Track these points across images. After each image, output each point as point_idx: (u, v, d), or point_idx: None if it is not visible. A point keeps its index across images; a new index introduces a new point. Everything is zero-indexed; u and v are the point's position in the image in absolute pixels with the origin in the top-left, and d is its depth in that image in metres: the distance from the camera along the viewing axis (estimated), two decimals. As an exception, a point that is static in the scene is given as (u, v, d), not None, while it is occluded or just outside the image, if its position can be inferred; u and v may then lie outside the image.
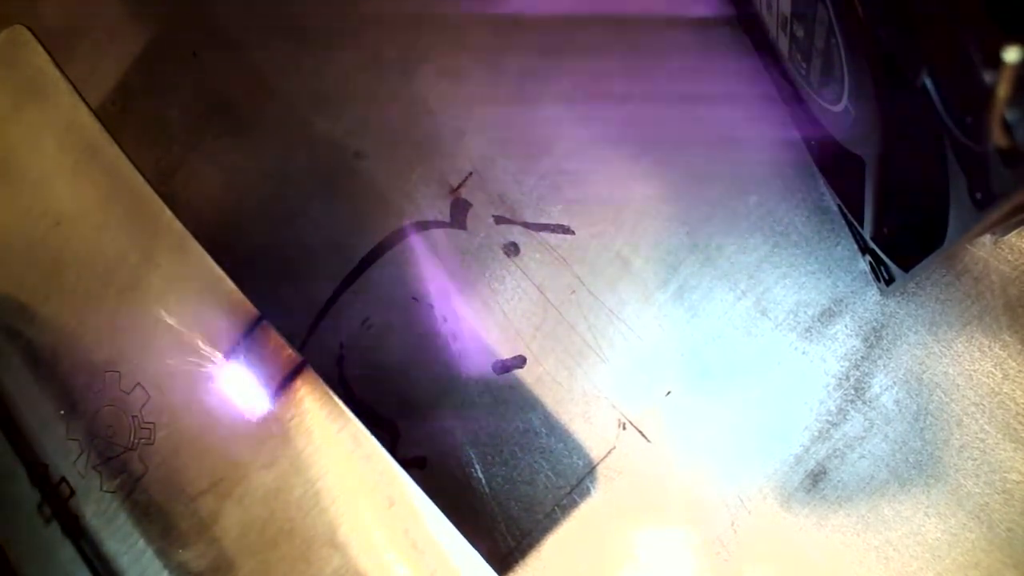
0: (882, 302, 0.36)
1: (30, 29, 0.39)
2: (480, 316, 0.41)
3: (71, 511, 0.34)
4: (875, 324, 0.36)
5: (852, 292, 0.36)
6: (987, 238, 0.34)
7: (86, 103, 0.37)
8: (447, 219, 0.43)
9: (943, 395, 0.34)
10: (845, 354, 0.36)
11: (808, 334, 0.37)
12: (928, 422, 0.34)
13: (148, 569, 0.33)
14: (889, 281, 0.33)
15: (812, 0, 0.27)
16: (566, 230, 0.41)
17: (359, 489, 0.31)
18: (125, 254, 0.36)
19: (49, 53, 0.38)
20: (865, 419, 0.35)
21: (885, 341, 0.36)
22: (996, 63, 0.17)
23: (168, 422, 0.34)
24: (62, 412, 0.35)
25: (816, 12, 0.27)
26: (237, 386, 0.33)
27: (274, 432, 0.33)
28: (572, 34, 0.42)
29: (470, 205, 0.42)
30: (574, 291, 0.40)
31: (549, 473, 0.39)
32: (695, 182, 0.39)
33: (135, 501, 0.34)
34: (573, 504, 0.38)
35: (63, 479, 0.35)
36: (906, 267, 0.30)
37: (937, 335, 0.35)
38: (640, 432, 0.38)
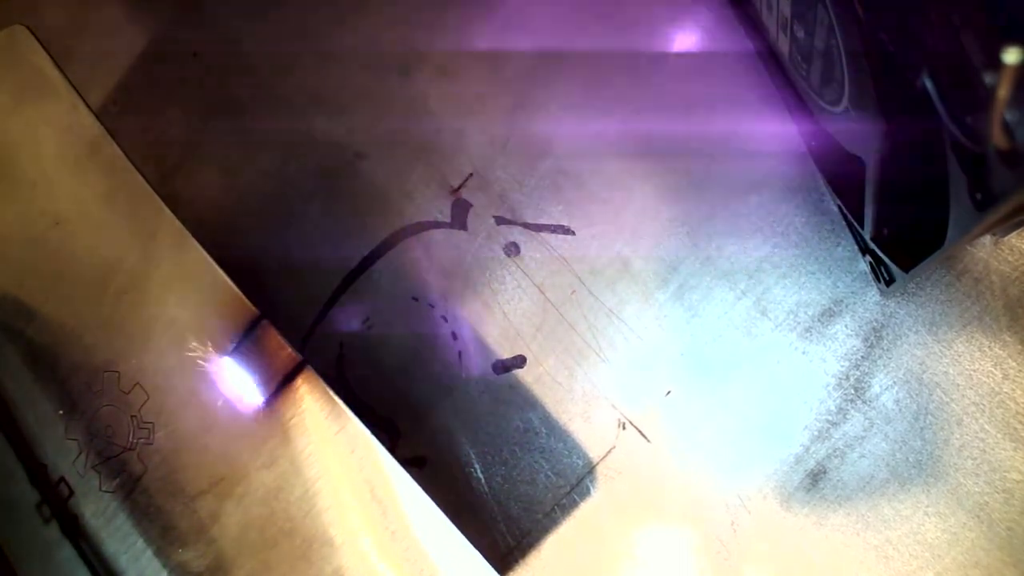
0: (882, 302, 0.36)
1: (30, 29, 0.39)
2: (480, 316, 0.41)
3: (70, 511, 0.34)
4: (875, 324, 0.36)
5: (852, 292, 0.36)
6: (987, 239, 0.34)
7: (86, 103, 0.37)
8: (447, 219, 0.43)
9: (943, 395, 0.34)
10: (845, 354, 0.36)
11: (808, 334, 0.37)
12: (928, 422, 0.34)
13: (147, 569, 0.33)
14: (889, 281, 0.33)
15: (812, 1, 0.27)
16: (566, 230, 0.41)
17: (359, 489, 0.31)
18: (125, 254, 0.36)
19: (49, 53, 0.38)
20: (865, 419, 0.35)
21: (885, 341, 0.36)
22: (996, 63, 0.17)
23: (167, 422, 0.34)
24: (61, 412, 0.35)
25: (816, 13, 0.27)
26: (237, 386, 0.33)
27: (274, 432, 0.33)
28: (572, 34, 0.42)
29: (470, 205, 0.42)
30: (574, 291, 0.40)
31: (549, 473, 0.39)
32: (695, 182, 0.39)
33: (134, 501, 0.33)
34: (573, 504, 0.38)
35: (62, 479, 0.35)
36: (906, 267, 0.30)
37: (937, 335, 0.35)
38: (640, 432, 0.38)
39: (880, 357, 0.36)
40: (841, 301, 0.36)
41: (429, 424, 0.41)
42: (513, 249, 0.41)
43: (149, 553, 0.33)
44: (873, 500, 0.35)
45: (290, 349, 0.33)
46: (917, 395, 0.35)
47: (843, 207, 0.35)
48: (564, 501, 0.38)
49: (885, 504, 0.34)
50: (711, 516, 0.36)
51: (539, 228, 0.41)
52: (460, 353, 0.41)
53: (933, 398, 0.35)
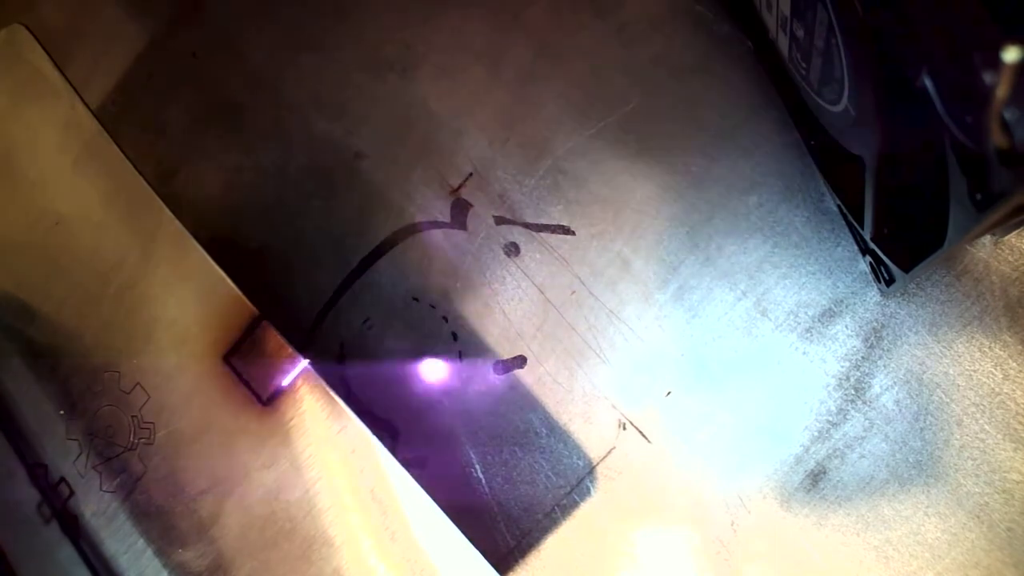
0: (882, 302, 0.36)
1: (29, 29, 0.39)
2: (480, 316, 0.41)
3: (70, 511, 0.34)
4: (875, 324, 0.36)
5: (852, 292, 0.36)
6: (987, 239, 0.34)
7: (85, 103, 0.37)
8: (447, 219, 0.43)
9: (943, 395, 0.34)
10: (845, 354, 0.36)
11: (808, 334, 0.37)
12: (928, 422, 0.34)
13: (147, 569, 0.33)
14: (889, 282, 0.33)
15: (812, 0, 0.27)
16: (566, 230, 0.41)
17: (359, 489, 0.31)
18: (125, 254, 0.36)
19: (48, 53, 0.38)
20: (865, 419, 0.35)
21: (885, 341, 0.36)
22: (996, 63, 0.17)
23: (168, 422, 0.34)
24: (62, 412, 0.35)
25: (816, 12, 0.27)
26: (237, 386, 0.33)
27: (274, 432, 0.33)
28: (572, 34, 0.42)
29: (470, 205, 0.42)
30: (574, 291, 0.40)
31: (549, 473, 0.39)
32: (695, 182, 0.39)
33: (135, 501, 0.33)
34: (573, 504, 0.38)
35: (62, 479, 0.35)
36: (906, 268, 0.30)
37: (937, 335, 0.35)
38: (640, 432, 0.38)
39: (880, 357, 0.36)
40: (841, 301, 0.36)
41: (429, 424, 0.41)
42: (513, 249, 0.41)
43: (149, 553, 0.33)
44: (873, 500, 0.35)
45: (290, 349, 0.33)
46: (917, 395, 0.35)
47: (843, 207, 0.35)
48: (564, 501, 0.38)
49: (885, 504, 0.34)
50: (711, 516, 0.36)
51: (539, 228, 0.41)
52: (460, 353, 0.41)
53: (933, 398, 0.34)
